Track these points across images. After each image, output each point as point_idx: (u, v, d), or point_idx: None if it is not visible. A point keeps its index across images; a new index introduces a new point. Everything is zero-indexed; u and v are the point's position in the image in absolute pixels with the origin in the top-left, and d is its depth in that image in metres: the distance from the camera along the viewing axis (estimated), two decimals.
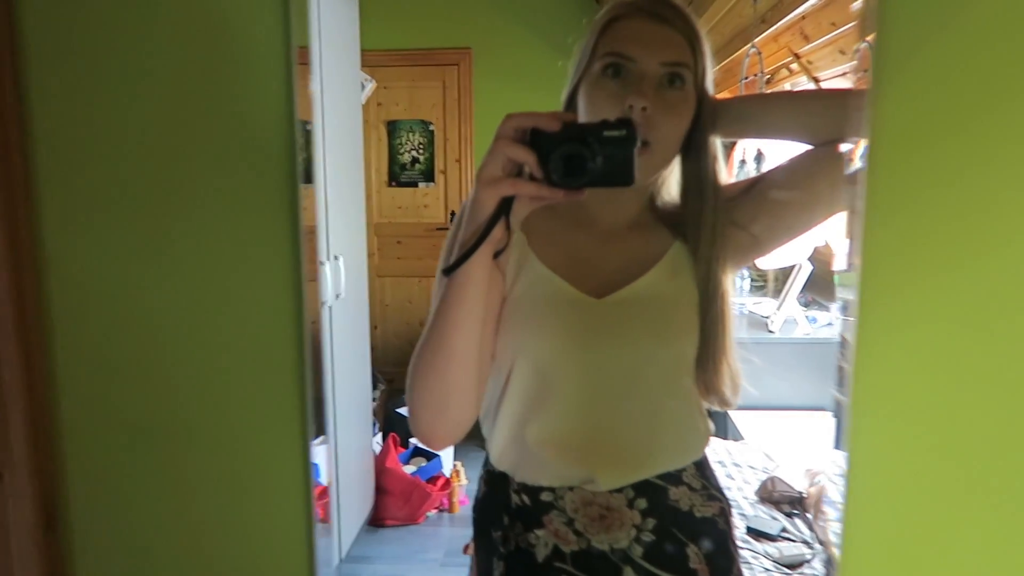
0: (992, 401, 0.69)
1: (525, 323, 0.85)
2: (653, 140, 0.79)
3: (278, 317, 0.87)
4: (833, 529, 1.63)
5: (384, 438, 3.20)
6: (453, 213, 4.18)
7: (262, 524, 0.91)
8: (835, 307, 2.69)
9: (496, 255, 0.74)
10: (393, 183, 4.18)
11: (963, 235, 0.69)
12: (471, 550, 0.94)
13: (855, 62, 1.73)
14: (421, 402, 0.80)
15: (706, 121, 0.86)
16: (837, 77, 1.95)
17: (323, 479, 2.54)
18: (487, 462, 0.94)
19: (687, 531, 0.87)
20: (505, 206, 0.70)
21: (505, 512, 0.89)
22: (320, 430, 2.40)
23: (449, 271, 0.73)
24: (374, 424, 3.16)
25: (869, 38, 0.64)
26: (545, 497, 0.86)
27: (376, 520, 2.93)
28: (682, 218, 0.89)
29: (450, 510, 3.04)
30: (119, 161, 0.85)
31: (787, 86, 2.34)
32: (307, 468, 0.88)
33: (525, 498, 0.87)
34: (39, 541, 0.80)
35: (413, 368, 0.79)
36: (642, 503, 0.86)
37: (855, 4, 0.69)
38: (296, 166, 0.85)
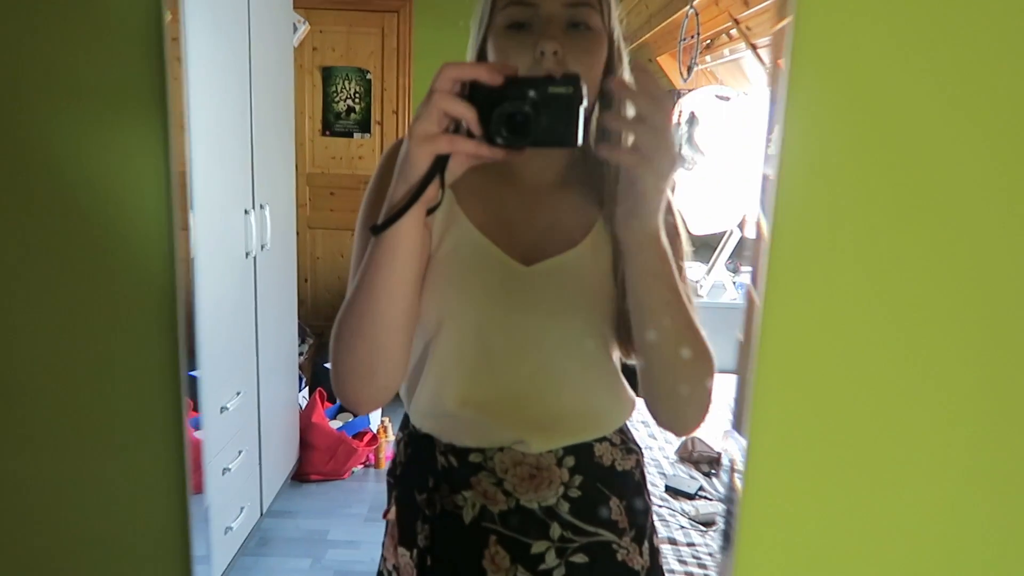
0: (889, 382, 0.71)
1: (452, 285, 0.82)
2: None
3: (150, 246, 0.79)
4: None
5: (311, 393, 3.16)
6: None
7: (132, 487, 0.85)
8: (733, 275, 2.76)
9: (428, 213, 0.71)
10: (327, 132, 4.05)
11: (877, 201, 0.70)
12: (392, 514, 0.92)
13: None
14: (347, 368, 0.77)
15: (617, 65, 0.83)
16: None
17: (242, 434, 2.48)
18: (406, 424, 0.92)
19: (609, 485, 0.87)
20: (440, 164, 0.66)
21: (431, 474, 0.87)
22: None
23: (378, 231, 0.69)
24: (301, 379, 3.11)
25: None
26: (474, 458, 0.85)
27: (300, 475, 2.90)
28: (596, 183, 0.86)
29: (376, 466, 3.03)
30: None
31: (726, 52, 2.35)
32: (181, 429, 0.83)
33: (452, 459, 0.86)
34: None
35: (338, 332, 0.76)
36: (570, 461, 0.86)
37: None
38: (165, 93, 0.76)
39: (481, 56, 0.83)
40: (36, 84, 0.77)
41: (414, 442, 0.90)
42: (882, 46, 0.65)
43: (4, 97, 0.77)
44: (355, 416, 3.12)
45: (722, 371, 0.80)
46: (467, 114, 0.65)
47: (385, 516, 0.94)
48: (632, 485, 0.90)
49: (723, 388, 0.79)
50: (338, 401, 3.22)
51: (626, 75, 0.84)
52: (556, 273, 0.83)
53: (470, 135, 0.66)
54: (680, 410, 0.83)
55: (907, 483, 0.73)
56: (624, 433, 0.91)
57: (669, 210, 0.87)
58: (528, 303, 0.83)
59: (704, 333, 0.79)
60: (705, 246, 3.06)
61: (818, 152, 0.67)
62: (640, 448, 0.94)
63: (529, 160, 0.84)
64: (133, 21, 0.75)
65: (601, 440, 0.88)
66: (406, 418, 0.92)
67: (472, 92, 0.65)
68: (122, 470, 0.84)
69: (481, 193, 0.86)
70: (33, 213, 0.79)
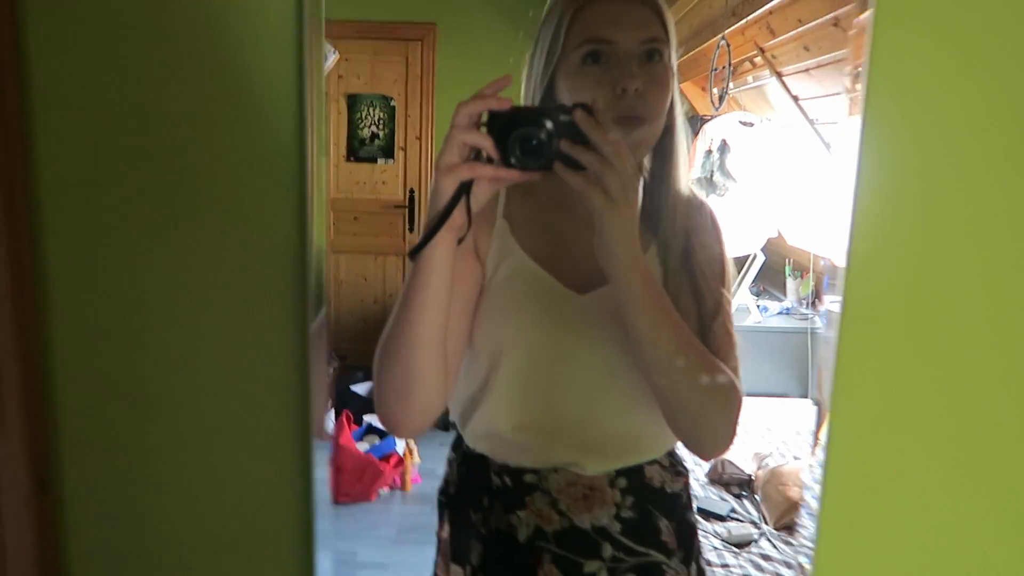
0: (966, 406, 0.73)
1: (508, 315, 0.85)
2: (648, 116, 0.81)
3: (279, 302, 0.85)
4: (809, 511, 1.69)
5: (337, 415, 3.19)
6: (411, 191, 4.14)
7: (259, 490, 0.90)
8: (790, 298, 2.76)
9: (460, 241, 0.74)
10: (351, 158, 4.11)
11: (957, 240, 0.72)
12: (445, 532, 0.94)
13: (820, 58, 1.77)
14: (386, 388, 0.79)
15: (675, 96, 0.86)
16: (800, 72, 2.00)
17: None
18: (459, 445, 0.94)
19: (659, 506, 0.89)
20: (463, 190, 0.70)
21: (485, 494, 0.89)
22: None
23: (413, 254, 0.73)
24: (327, 401, 3.14)
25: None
26: (528, 479, 0.87)
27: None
28: (648, 211, 0.87)
29: (403, 488, 3.05)
30: (122, 152, 0.83)
31: (750, 79, 2.39)
32: (308, 446, 0.87)
33: (507, 479, 0.88)
34: (32, 504, 0.79)
35: (379, 353, 0.79)
36: (622, 482, 0.88)
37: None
38: (305, 166, 0.83)
39: (549, 91, 0.85)
40: None
41: (468, 462, 0.92)
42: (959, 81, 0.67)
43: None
44: (381, 439, 3.14)
45: (751, 394, 0.82)
46: (484, 142, 0.69)
47: (438, 534, 0.97)
48: (680, 507, 0.92)
49: (756, 411, 0.80)
50: (365, 424, 3.25)
51: (679, 102, 0.87)
52: (609, 301, 0.83)
53: (491, 161, 0.70)
54: (695, 433, 0.84)
55: (982, 515, 0.74)
56: (672, 455, 0.93)
57: (718, 239, 0.90)
58: (582, 331, 0.85)
59: (708, 357, 0.80)
60: None
61: (895, 183, 0.69)
62: (687, 470, 0.95)
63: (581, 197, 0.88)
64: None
65: (651, 462, 0.90)
66: (458, 439, 0.94)
67: (491, 123, 0.70)
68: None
69: (535, 223, 0.88)
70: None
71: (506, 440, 0.87)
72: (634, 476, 0.88)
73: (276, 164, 0.84)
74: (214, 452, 0.89)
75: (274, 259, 0.84)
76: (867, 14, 0.67)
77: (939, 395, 0.74)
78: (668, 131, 0.86)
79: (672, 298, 0.82)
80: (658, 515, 0.89)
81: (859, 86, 0.68)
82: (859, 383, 0.73)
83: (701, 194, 0.91)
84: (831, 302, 0.73)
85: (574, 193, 0.88)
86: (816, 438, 0.74)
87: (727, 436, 0.83)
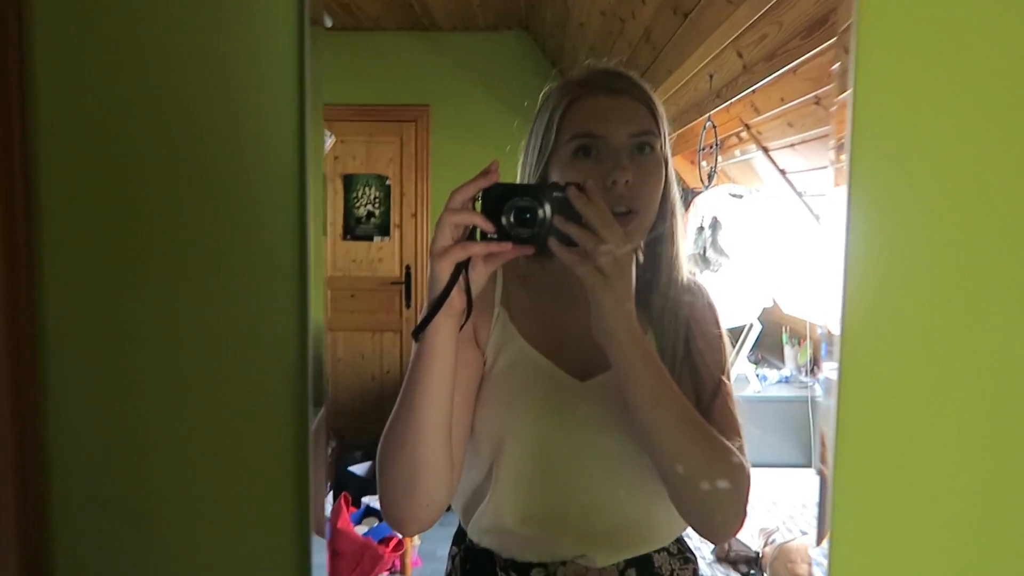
0: (969, 478, 0.72)
1: (510, 404, 0.84)
2: (639, 208, 0.82)
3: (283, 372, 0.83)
4: None
5: (335, 497, 3.12)
6: (408, 267, 4.18)
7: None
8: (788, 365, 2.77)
9: (461, 327, 0.74)
10: (348, 236, 4.17)
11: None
12: None
13: (805, 133, 1.83)
14: (391, 482, 0.78)
15: (669, 182, 0.88)
16: (785, 148, 2.05)
17: None
18: (462, 538, 0.92)
19: None
20: (459, 271, 0.71)
21: None
22: None
23: (416, 334, 0.73)
24: (325, 483, 3.08)
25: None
26: (536, 574, 0.85)
27: None
28: (646, 298, 0.88)
29: (403, 572, 2.96)
30: (127, 232, 0.83)
31: (737, 152, 2.45)
32: (307, 549, 0.85)
33: (513, 575, 0.86)
34: None
35: (382, 446, 0.78)
36: (631, 573, 0.86)
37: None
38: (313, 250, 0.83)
39: (543, 181, 0.87)
40: None
41: (472, 557, 0.89)
42: (947, 134, 0.70)
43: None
44: (380, 521, 3.07)
45: (754, 465, 0.81)
46: (475, 218, 0.70)
47: None
48: None
49: (761, 483, 0.79)
50: (363, 506, 3.18)
51: (675, 190, 0.89)
52: (611, 387, 0.83)
53: (485, 238, 0.71)
54: (706, 517, 0.82)
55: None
56: (680, 542, 0.92)
57: (716, 323, 0.91)
58: (585, 419, 0.84)
59: (709, 433, 0.79)
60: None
61: (883, 248, 0.71)
62: (695, 556, 0.94)
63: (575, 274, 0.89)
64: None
65: (660, 551, 0.88)
66: (460, 532, 0.92)
67: (484, 198, 0.71)
68: None
69: (533, 311, 0.89)
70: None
71: (512, 534, 0.85)
72: (643, 566, 0.87)
73: (276, 249, 0.84)
74: (209, 547, 0.87)
75: (274, 355, 0.83)
76: (847, 93, 0.69)
77: (945, 461, 0.73)
78: (663, 218, 0.87)
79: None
80: None
81: (843, 157, 0.70)
82: (861, 453, 0.73)
83: (697, 277, 0.92)
84: (829, 369, 0.73)
85: (571, 279, 0.90)
86: (822, 512, 0.74)
87: (738, 518, 0.82)
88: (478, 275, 0.72)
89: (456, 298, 0.71)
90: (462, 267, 0.71)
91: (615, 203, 0.80)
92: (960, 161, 0.70)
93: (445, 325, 0.72)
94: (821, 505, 0.73)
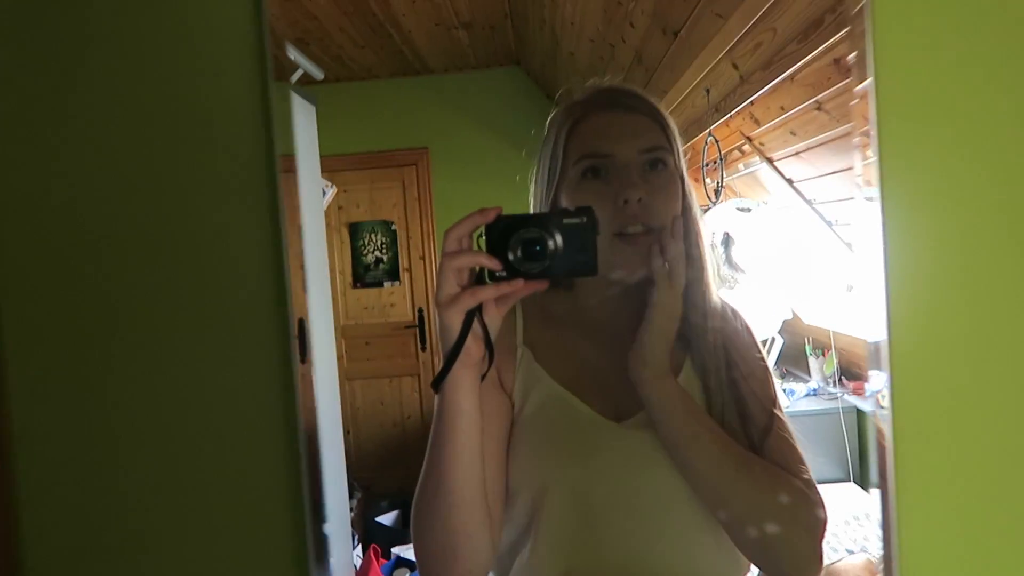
0: None
1: (544, 449, 0.79)
2: (655, 226, 0.78)
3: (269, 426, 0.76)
4: None
5: (364, 550, 3.06)
6: (420, 310, 4.16)
7: None
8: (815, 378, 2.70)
9: (483, 377, 0.69)
10: (358, 284, 4.16)
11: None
12: None
13: (809, 141, 1.80)
14: (427, 551, 0.73)
15: (688, 200, 0.83)
16: (790, 157, 2.02)
17: None
18: None
19: None
20: (470, 319, 0.66)
21: None
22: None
23: (435, 386, 0.68)
24: (353, 535, 3.03)
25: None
26: None
27: None
28: (682, 328, 0.81)
29: None
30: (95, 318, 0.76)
31: (741, 166, 2.42)
32: None
33: None
34: None
35: (414, 512, 0.73)
36: None
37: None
38: (286, 285, 0.77)
39: (554, 208, 0.83)
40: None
41: None
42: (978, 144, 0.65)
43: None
44: (412, 571, 3.00)
45: None
46: (479, 259, 0.65)
47: None
48: None
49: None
50: (394, 557, 3.12)
51: (696, 208, 0.85)
52: (650, 427, 0.78)
53: (493, 278, 0.66)
54: (774, 561, 0.75)
55: None
56: None
57: (755, 346, 0.85)
58: (625, 462, 0.78)
59: (763, 466, 0.73)
60: None
61: (922, 250, 0.66)
62: None
63: (601, 306, 0.84)
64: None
65: None
66: None
67: (488, 235, 0.66)
68: None
69: (559, 348, 0.83)
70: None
71: None
72: None
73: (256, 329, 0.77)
74: None
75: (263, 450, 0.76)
76: (867, 83, 0.64)
77: (1007, 471, 0.68)
78: (688, 237, 0.82)
79: (717, 419, 0.77)
80: None
81: (870, 153, 0.64)
82: (921, 465, 0.67)
83: (727, 299, 0.87)
84: (876, 381, 0.68)
85: (595, 313, 0.85)
86: (884, 529, 0.68)
87: (812, 560, 0.74)
88: (492, 318, 0.67)
89: (473, 347, 0.66)
90: (474, 314, 0.66)
91: (628, 223, 0.77)
92: (1004, 143, 0.64)
93: (465, 378, 0.67)
94: (885, 524, 0.67)
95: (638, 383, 0.74)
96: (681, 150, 0.84)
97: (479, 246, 0.67)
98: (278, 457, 0.73)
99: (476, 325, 0.66)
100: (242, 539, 0.75)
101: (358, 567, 2.92)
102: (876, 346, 0.66)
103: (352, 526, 3.06)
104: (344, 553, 2.81)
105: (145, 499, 0.75)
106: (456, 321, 0.65)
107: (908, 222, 0.65)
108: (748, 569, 0.83)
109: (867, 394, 0.71)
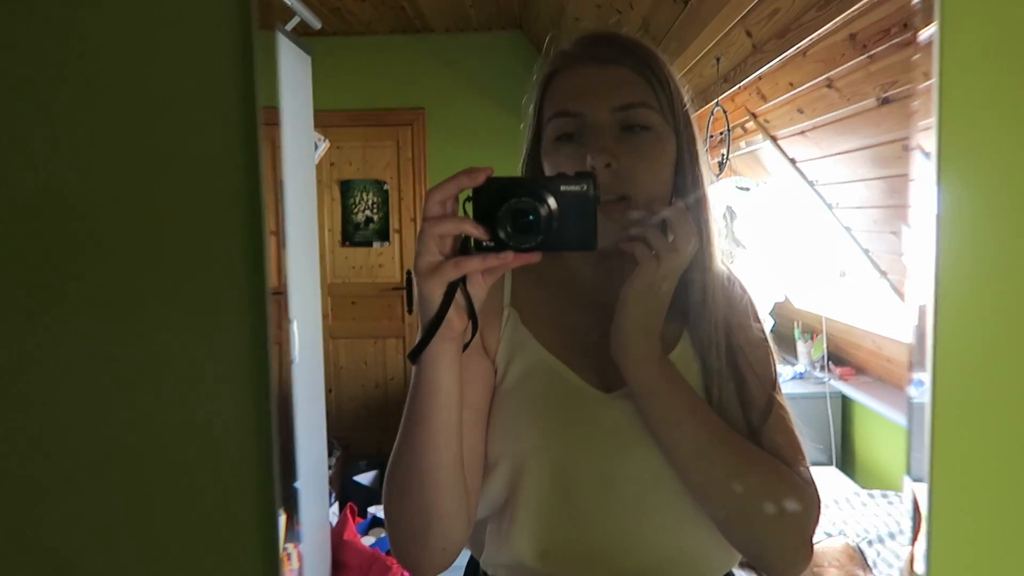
0: None
1: (527, 419, 0.73)
2: (633, 193, 0.70)
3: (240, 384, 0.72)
4: None
5: (341, 508, 3.06)
6: (409, 272, 4.12)
7: None
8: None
9: (465, 347, 0.64)
10: (347, 243, 4.11)
11: None
12: None
13: (815, 120, 1.76)
14: (400, 528, 0.68)
15: (690, 163, 0.74)
16: (795, 135, 1.99)
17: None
18: (474, 571, 0.81)
19: None
20: (452, 291, 0.60)
21: None
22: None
23: (413, 357, 0.62)
24: (330, 493, 3.02)
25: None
26: None
27: None
28: (681, 299, 0.76)
29: None
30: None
31: (743, 144, 2.39)
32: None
33: None
34: None
35: (387, 488, 0.68)
36: None
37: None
38: (263, 239, 0.72)
39: (536, 172, 0.77)
40: None
41: None
42: None
43: None
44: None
45: None
46: (464, 226, 0.59)
47: None
48: None
49: None
50: (370, 516, 3.12)
51: (704, 172, 0.77)
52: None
53: (479, 246, 0.59)
54: (764, 554, 0.72)
55: None
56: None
57: (756, 317, 0.80)
58: (612, 437, 0.73)
59: (754, 454, 0.69)
60: None
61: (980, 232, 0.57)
62: None
63: (595, 273, 0.78)
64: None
65: None
66: (473, 565, 0.82)
67: (476, 199, 0.59)
68: None
69: (549, 312, 0.77)
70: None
71: (531, 570, 0.73)
72: None
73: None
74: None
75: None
76: (931, 28, 0.52)
77: None
78: (698, 204, 0.75)
79: (715, 399, 0.72)
80: None
81: (932, 117, 0.54)
82: (962, 463, 0.61)
83: (729, 266, 0.81)
84: (919, 375, 0.61)
85: (589, 276, 0.79)
86: (916, 524, 0.62)
87: (801, 551, 0.70)
88: (477, 289, 0.61)
89: (455, 318, 0.60)
90: (456, 285, 0.60)
91: (603, 191, 0.67)
92: None
93: (444, 351, 0.61)
94: (916, 518, 0.63)
95: (619, 366, 0.69)
96: (682, 108, 0.74)
97: (465, 211, 0.60)
98: (247, 411, 0.69)
99: (459, 295, 0.60)
100: (208, 495, 0.71)
101: (334, 524, 2.92)
102: (920, 331, 0.59)
103: (330, 484, 3.05)
104: (320, 510, 2.80)
105: (109, 454, 0.71)
106: (437, 292, 0.59)
107: (966, 196, 0.56)
108: (739, 557, 0.79)
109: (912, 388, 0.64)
